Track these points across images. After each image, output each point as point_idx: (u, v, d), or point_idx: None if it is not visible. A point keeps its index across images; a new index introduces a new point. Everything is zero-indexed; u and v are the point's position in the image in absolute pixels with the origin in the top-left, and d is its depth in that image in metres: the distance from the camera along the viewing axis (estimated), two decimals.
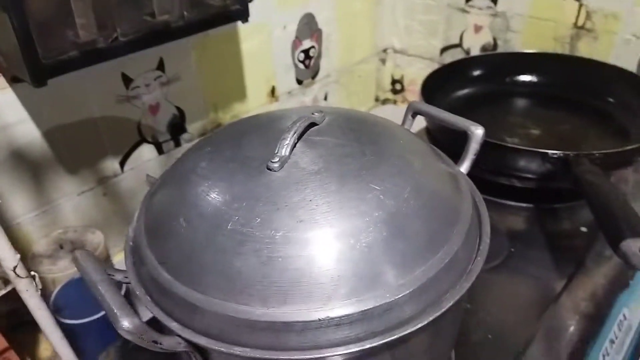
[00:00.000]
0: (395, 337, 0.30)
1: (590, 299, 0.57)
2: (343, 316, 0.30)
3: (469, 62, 0.84)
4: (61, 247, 0.67)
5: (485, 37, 0.96)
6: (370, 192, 0.34)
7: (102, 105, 0.69)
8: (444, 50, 1.04)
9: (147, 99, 0.74)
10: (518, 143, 0.72)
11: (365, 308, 0.30)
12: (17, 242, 0.66)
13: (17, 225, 0.66)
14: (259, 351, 0.30)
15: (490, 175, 0.67)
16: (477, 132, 0.45)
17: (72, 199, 0.71)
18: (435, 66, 1.06)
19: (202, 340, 0.31)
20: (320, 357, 0.30)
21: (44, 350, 0.70)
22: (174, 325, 0.32)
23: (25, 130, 0.63)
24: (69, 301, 0.60)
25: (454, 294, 0.33)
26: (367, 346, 0.30)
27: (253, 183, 0.34)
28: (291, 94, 0.97)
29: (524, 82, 0.85)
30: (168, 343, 0.31)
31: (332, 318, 0.30)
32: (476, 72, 0.83)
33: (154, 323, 0.32)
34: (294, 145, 0.36)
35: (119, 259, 0.77)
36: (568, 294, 0.57)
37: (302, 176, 0.34)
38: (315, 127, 0.39)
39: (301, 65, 0.96)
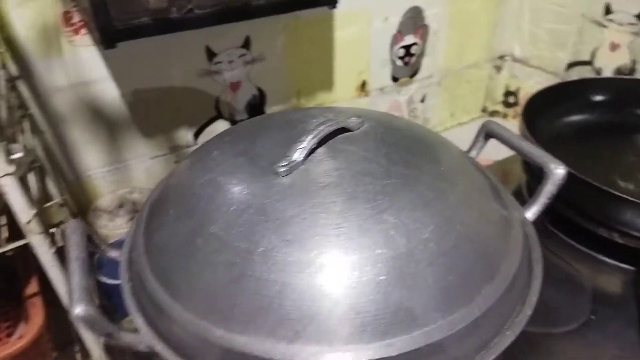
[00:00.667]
0: None
1: None
2: None
3: (591, 84, 0.71)
4: (122, 205, 0.69)
5: (622, 58, 0.81)
6: (380, 223, 0.28)
7: (184, 76, 0.70)
8: (571, 65, 0.90)
9: (228, 76, 0.73)
10: (632, 190, 0.59)
11: (420, 345, 0.25)
12: (85, 194, 0.70)
13: (87, 178, 0.69)
14: None
15: (587, 222, 0.56)
16: (558, 171, 0.36)
17: (145, 162, 0.73)
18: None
19: (159, 347, 0.28)
20: None
21: None
22: (139, 322, 0.30)
23: (107, 88, 0.65)
24: (113, 260, 0.62)
25: None
26: None
27: (252, 185, 0.30)
28: (383, 91, 0.91)
29: None
30: (125, 339, 0.29)
31: None
32: (598, 97, 0.69)
33: None
34: (312, 151, 0.32)
35: None
36: None
37: (307, 188, 0.30)
38: (347, 133, 0.34)
39: (399, 62, 0.89)
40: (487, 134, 0.42)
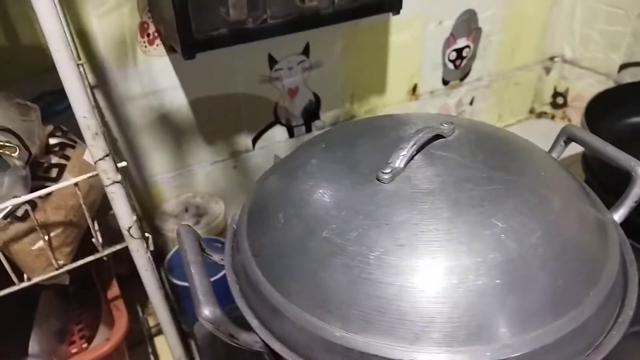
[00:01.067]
0: None
1: None
2: None
3: None
4: (186, 209, 0.72)
5: None
6: (490, 228, 0.29)
7: (246, 83, 0.72)
8: (623, 67, 0.89)
9: (287, 82, 0.75)
10: None
11: (536, 347, 0.26)
12: (151, 198, 0.73)
13: (154, 182, 0.72)
14: None
15: None
16: None
17: (205, 167, 0.76)
18: (610, 84, 0.92)
19: (276, 346, 0.30)
20: None
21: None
22: (254, 323, 0.31)
23: (175, 96, 0.68)
24: (179, 262, 0.64)
25: None
26: None
27: (357, 191, 0.32)
28: (433, 94, 0.91)
29: None
30: (244, 339, 0.30)
31: None
32: None
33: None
34: (411, 158, 0.33)
35: None
36: None
37: (412, 194, 0.31)
38: (441, 139, 0.35)
39: (450, 65, 0.89)
40: (568, 137, 0.42)
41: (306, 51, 0.74)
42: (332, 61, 0.77)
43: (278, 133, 0.79)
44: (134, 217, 0.41)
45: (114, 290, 0.54)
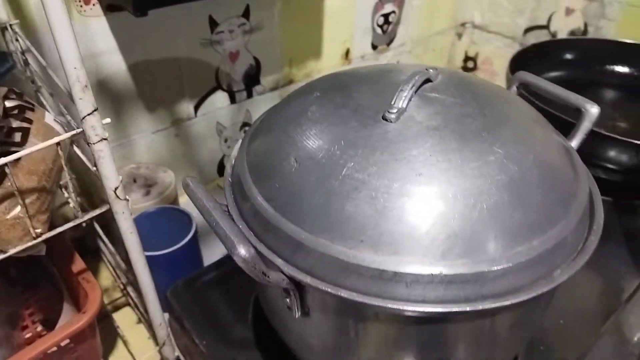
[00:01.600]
0: (508, 303, 0.29)
1: None
2: (456, 274, 0.29)
3: (559, 44, 0.80)
4: (135, 180, 0.68)
5: (576, 22, 0.91)
6: (493, 154, 0.32)
7: (187, 46, 0.69)
8: (528, 30, 1.00)
9: (228, 46, 0.73)
10: None
11: (479, 270, 0.29)
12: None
13: None
14: (367, 297, 0.30)
15: None
16: (593, 110, 0.43)
17: (147, 136, 0.72)
18: (516, 46, 1.02)
19: (307, 279, 0.31)
20: (428, 312, 0.29)
21: (104, 279, 0.72)
22: (279, 261, 0.32)
23: (113, 60, 0.64)
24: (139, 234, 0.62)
25: (568, 270, 0.31)
26: (479, 308, 0.29)
27: (368, 131, 0.33)
28: (364, 59, 0.95)
29: (616, 72, 0.80)
30: (274, 277, 0.31)
31: (445, 275, 0.29)
32: (566, 56, 0.78)
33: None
34: (410, 99, 0.35)
35: (183, 200, 0.78)
36: None
37: (420, 130, 0.33)
38: (430, 83, 0.38)
39: (379, 30, 0.93)
40: (521, 83, 0.48)
41: (246, 14, 0.73)
42: (272, 24, 0.76)
43: (219, 99, 0.77)
44: (120, 177, 0.39)
45: (78, 264, 0.51)
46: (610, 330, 0.53)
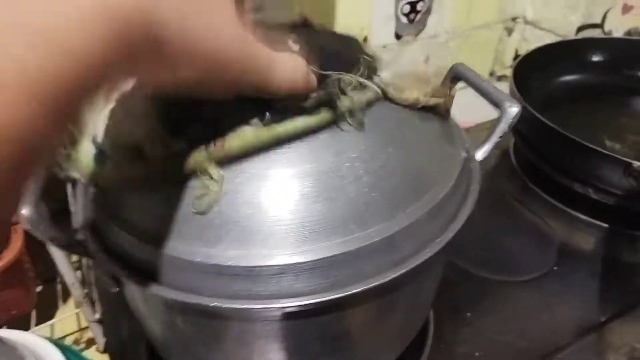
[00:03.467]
0: (384, 280, 0.28)
1: None
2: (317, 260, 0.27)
3: (587, 44, 0.69)
4: None
5: (634, 21, 0.79)
6: (313, 141, 0.29)
7: None
8: (581, 29, 0.88)
9: None
10: (618, 150, 0.59)
11: (335, 253, 0.27)
12: None
13: None
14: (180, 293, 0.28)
15: (562, 177, 0.56)
16: (512, 109, 0.37)
17: None
18: None
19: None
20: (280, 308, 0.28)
21: None
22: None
23: None
24: None
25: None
26: (352, 291, 0.27)
27: None
28: (386, 49, 0.90)
29: None
30: (69, 241, 0.31)
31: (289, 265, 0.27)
32: (594, 58, 0.68)
33: None
34: None
35: None
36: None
37: None
38: None
39: (404, 19, 0.88)
40: (455, 75, 0.42)
41: None
42: (280, 9, 0.76)
43: None
44: None
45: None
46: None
